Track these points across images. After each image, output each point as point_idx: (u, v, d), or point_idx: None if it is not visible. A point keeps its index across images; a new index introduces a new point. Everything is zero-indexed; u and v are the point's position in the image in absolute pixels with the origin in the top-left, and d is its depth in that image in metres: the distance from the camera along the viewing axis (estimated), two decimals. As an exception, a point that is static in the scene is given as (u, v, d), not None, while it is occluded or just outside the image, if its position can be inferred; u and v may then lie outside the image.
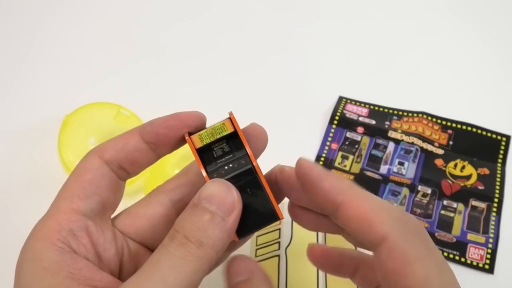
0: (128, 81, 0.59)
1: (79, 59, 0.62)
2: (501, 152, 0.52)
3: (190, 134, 0.25)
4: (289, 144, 0.50)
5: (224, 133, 0.25)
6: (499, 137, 0.53)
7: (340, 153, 0.52)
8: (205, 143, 0.25)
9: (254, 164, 0.24)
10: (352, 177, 0.50)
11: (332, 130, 0.53)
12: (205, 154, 0.25)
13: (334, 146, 0.52)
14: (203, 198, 0.23)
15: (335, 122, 0.54)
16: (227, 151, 0.25)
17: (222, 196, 0.23)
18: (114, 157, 0.26)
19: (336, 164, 0.51)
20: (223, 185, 0.24)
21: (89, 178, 0.25)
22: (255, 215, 0.25)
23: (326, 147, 0.52)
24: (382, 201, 0.23)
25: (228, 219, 0.23)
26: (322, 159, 0.51)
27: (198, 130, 0.26)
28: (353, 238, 0.26)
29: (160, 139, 0.26)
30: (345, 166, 0.51)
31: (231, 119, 0.25)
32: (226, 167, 0.25)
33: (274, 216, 0.25)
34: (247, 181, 0.24)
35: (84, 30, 0.66)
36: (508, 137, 0.53)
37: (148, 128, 0.26)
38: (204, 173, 0.25)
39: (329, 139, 0.53)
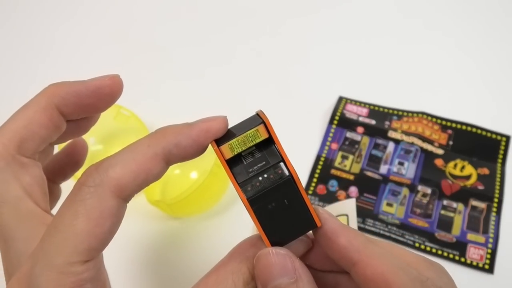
0: (127, 81, 0.59)
1: (77, 59, 0.62)
2: (501, 152, 0.52)
3: (216, 142, 0.23)
4: (289, 144, 0.49)
5: (258, 140, 0.22)
6: (499, 137, 0.53)
7: (340, 153, 0.52)
8: (236, 153, 0.22)
9: (293, 174, 0.22)
10: (352, 177, 0.50)
11: (332, 130, 0.53)
12: (233, 162, 0.22)
13: (334, 146, 0.52)
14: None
15: (335, 122, 0.54)
16: (258, 158, 0.23)
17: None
18: (135, 191, 0.22)
19: (336, 164, 0.51)
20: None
21: (108, 228, 0.21)
22: (291, 224, 0.23)
23: (326, 147, 0.52)
24: (399, 260, 0.22)
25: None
26: (322, 159, 0.51)
27: (222, 136, 0.23)
28: None
29: (187, 158, 0.23)
30: (345, 166, 0.51)
31: (265, 124, 0.22)
32: (260, 178, 0.22)
33: (311, 224, 0.23)
34: (285, 192, 0.22)
35: (82, 30, 0.66)
36: (508, 137, 0.53)
37: (175, 151, 0.22)
38: (237, 188, 0.22)
39: (329, 139, 0.53)
